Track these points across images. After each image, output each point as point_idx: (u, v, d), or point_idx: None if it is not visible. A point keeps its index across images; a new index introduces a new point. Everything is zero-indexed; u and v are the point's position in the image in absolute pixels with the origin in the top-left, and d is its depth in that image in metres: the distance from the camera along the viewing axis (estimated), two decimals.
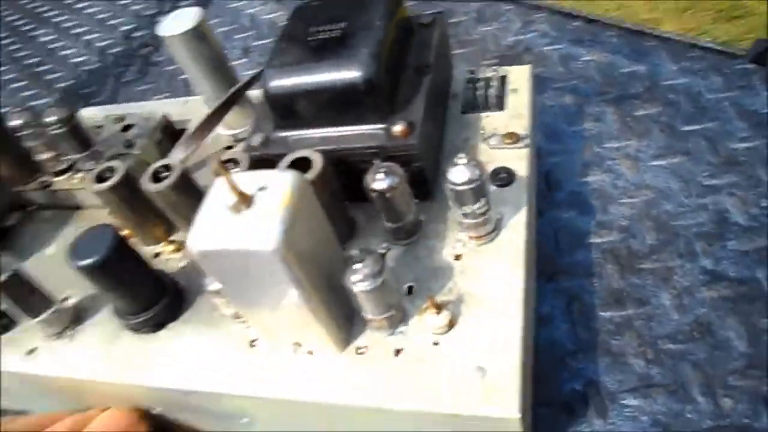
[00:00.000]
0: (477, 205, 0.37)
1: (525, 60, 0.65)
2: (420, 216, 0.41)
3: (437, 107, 0.45)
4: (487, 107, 0.47)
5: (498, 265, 0.37)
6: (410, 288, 0.38)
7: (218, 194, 0.32)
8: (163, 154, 0.52)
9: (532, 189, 0.43)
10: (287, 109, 0.41)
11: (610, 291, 0.45)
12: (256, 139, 0.42)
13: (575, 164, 0.54)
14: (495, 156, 0.43)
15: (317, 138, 0.41)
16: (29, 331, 0.43)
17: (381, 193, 0.36)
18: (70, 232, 0.50)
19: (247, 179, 0.32)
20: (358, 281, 0.33)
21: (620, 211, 0.50)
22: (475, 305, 0.36)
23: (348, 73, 0.38)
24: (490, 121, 0.46)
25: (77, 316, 0.43)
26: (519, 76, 0.48)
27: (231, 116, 0.50)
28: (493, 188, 0.41)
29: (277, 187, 0.31)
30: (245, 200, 0.30)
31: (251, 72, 0.49)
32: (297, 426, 0.41)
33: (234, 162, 0.40)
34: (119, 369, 0.39)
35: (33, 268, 0.43)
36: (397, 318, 0.36)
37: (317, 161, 0.37)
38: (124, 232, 0.45)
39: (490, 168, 0.42)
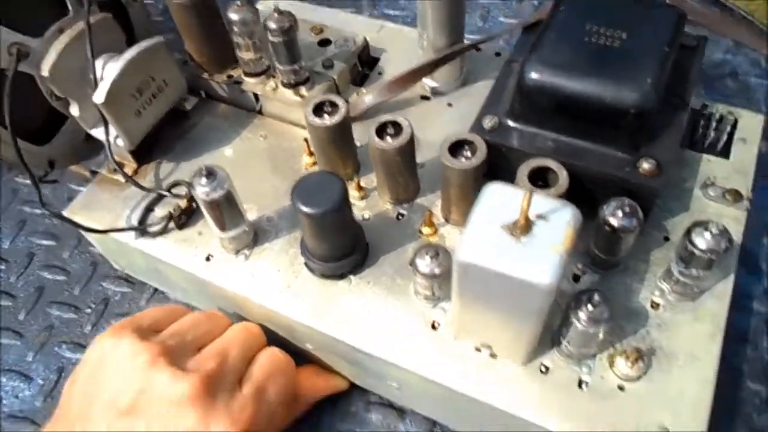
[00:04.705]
0: (702, 273, 0.36)
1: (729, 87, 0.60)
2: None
3: (683, 145, 0.42)
4: (711, 150, 0.44)
5: (698, 326, 0.37)
6: None
7: (491, 204, 0.30)
8: (353, 80, 0.50)
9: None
10: (535, 106, 0.38)
11: (763, 365, 0.45)
12: (488, 122, 0.40)
13: (760, 221, 0.50)
14: (707, 208, 0.42)
15: (551, 141, 0.39)
16: (205, 235, 0.43)
17: (614, 229, 0.35)
18: (248, 137, 0.49)
19: (521, 199, 0.31)
20: (585, 320, 0.33)
21: None
22: (667, 361, 0.36)
23: (627, 96, 0.36)
24: (711, 167, 0.43)
25: (256, 237, 0.43)
26: (749, 125, 0.45)
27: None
28: None
29: (559, 223, 0.29)
30: (526, 227, 0.29)
31: (478, 38, 0.46)
32: (443, 414, 0.43)
33: (467, 143, 0.38)
34: (288, 302, 0.40)
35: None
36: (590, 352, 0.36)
37: (563, 179, 0.36)
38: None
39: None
